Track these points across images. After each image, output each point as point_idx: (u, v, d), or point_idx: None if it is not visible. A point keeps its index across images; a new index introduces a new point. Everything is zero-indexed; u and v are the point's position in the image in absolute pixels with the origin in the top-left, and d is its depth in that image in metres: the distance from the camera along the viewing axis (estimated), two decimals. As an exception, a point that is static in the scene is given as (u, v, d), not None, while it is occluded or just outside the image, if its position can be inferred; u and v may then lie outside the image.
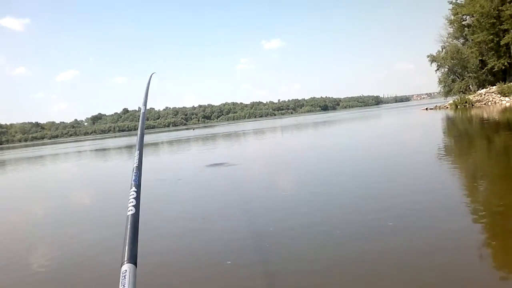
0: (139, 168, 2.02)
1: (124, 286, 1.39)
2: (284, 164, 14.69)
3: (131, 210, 1.72)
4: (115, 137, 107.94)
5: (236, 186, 10.83)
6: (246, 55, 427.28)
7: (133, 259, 1.52)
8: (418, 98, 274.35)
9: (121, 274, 1.45)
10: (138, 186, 1.88)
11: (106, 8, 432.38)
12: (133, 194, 1.81)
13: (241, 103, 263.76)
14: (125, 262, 1.51)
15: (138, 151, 2.15)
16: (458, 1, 53.46)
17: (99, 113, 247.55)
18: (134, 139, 61.14)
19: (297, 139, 30.05)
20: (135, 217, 1.70)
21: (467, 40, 55.08)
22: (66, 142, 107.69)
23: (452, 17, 55.35)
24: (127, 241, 1.59)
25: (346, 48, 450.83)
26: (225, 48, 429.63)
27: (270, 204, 8.01)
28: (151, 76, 3.42)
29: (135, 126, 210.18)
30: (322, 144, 21.96)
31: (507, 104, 40.30)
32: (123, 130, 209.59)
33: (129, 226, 1.65)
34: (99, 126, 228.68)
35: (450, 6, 54.54)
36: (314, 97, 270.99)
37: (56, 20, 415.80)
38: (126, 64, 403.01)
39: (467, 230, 5.23)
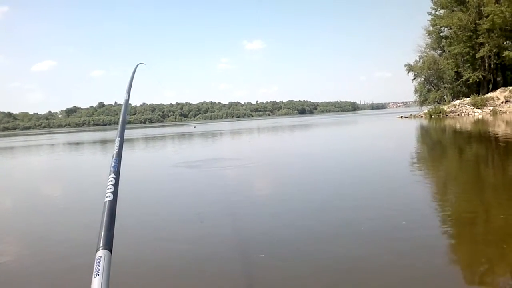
0: (119, 154, 2.01)
1: (98, 272, 1.36)
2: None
3: (109, 196, 1.70)
4: (89, 131, 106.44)
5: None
6: (228, 55, 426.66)
7: (108, 245, 1.51)
8: (394, 106, 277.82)
9: (96, 260, 1.43)
10: (117, 172, 1.87)
11: (88, 2, 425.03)
12: (111, 181, 1.79)
13: (219, 102, 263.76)
14: (101, 248, 1.48)
15: (119, 138, 2.14)
16: (437, 13, 54.37)
17: (74, 106, 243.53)
18: (108, 134, 61.04)
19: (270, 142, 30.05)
20: (113, 204, 1.68)
21: (444, 51, 56.07)
22: (39, 134, 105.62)
23: (431, 28, 56.33)
24: (103, 227, 1.57)
25: (325, 54, 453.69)
26: (207, 47, 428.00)
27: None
28: (137, 66, 3.36)
29: (110, 120, 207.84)
30: (297, 149, 21.98)
31: (480, 116, 41.11)
32: (98, 124, 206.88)
33: (106, 212, 1.63)
34: (74, 119, 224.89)
35: (430, 17, 55.51)
36: (292, 100, 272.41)
37: (36, 10, 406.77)
38: (105, 58, 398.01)
39: (435, 236, 5.23)
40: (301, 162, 14.73)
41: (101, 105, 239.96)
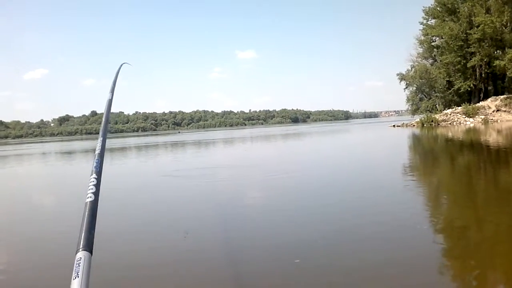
0: (101, 155, 1.97)
1: (78, 274, 1.34)
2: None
3: (90, 197, 1.68)
4: (82, 139, 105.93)
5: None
6: (220, 64, 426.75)
7: (89, 247, 1.48)
8: (387, 115, 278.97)
9: (76, 261, 1.40)
10: (98, 173, 1.83)
11: (80, 10, 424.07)
12: (93, 181, 1.76)
13: (212, 111, 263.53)
14: (81, 250, 1.46)
15: (102, 138, 2.11)
16: (428, 23, 54.86)
17: (67, 115, 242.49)
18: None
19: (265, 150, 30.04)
20: (94, 205, 1.65)
21: (435, 60, 56.47)
22: (31, 142, 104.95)
23: (422, 38, 56.74)
24: (84, 228, 1.54)
25: (318, 63, 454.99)
26: (200, 56, 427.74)
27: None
28: (121, 65, 3.30)
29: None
30: (294, 157, 21.99)
31: (471, 125, 41.43)
32: (90, 133, 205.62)
33: (87, 213, 1.61)
34: (66, 128, 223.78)
35: (421, 26, 55.98)
36: (285, 109, 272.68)
37: (28, 18, 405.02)
38: (98, 66, 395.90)
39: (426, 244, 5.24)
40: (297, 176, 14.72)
41: (94, 113, 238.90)
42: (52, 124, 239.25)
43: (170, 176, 14.86)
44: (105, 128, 2.24)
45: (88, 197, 1.68)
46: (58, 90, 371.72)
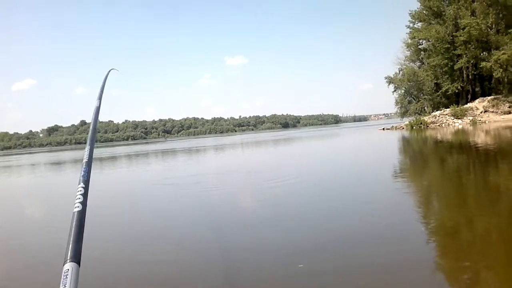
0: (88, 163, 1.94)
1: (65, 286, 1.32)
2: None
3: (78, 207, 1.65)
4: (71, 149, 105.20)
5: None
6: (210, 70, 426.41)
7: (76, 258, 1.46)
8: (376, 118, 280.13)
9: (63, 273, 1.38)
10: (86, 182, 1.80)
11: (68, 19, 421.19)
12: (80, 190, 1.73)
13: (202, 118, 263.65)
14: (68, 261, 1.44)
15: (89, 146, 2.07)
16: (415, 26, 55.27)
17: (56, 125, 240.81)
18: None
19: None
20: (81, 214, 1.63)
21: (423, 63, 56.85)
22: (19, 153, 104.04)
23: (409, 41, 57.14)
24: (71, 239, 1.52)
25: (307, 68, 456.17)
26: (189, 62, 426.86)
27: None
28: (109, 72, 3.27)
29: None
30: (286, 162, 22.00)
31: (460, 126, 41.75)
32: (80, 143, 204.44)
33: (74, 224, 1.58)
34: (55, 138, 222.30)
35: (408, 30, 56.40)
36: (275, 114, 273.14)
37: (15, 28, 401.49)
38: (87, 75, 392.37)
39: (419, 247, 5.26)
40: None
41: (83, 123, 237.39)
42: (41, 135, 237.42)
43: (161, 184, 14.80)
44: (93, 136, 2.21)
45: (75, 207, 1.65)
46: (46, 100, 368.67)
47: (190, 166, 23.43)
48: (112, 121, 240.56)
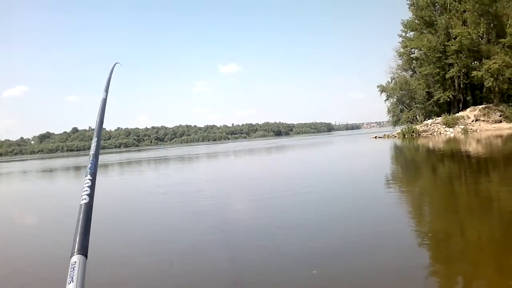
0: (95, 156, 1.97)
1: (72, 278, 1.32)
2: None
3: (85, 199, 1.66)
4: (63, 157, 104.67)
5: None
6: (203, 78, 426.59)
7: (83, 250, 1.47)
8: (368, 127, 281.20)
9: (70, 265, 1.39)
10: (93, 174, 1.82)
11: (59, 28, 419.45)
12: (87, 183, 1.75)
13: (195, 126, 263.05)
14: (75, 253, 1.44)
15: (96, 138, 2.11)
16: (407, 35, 55.70)
17: (47, 132, 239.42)
18: (83, 159, 60.24)
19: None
20: (88, 207, 1.64)
21: (415, 72, 57.22)
22: (10, 161, 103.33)
23: (402, 50, 57.50)
24: (79, 231, 1.52)
25: (300, 76, 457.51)
26: (182, 70, 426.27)
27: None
28: (114, 65, 3.29)
29: (84, 146, 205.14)
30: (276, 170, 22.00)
31: (451, 135, 41.99)
32: (72, 150, 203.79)
33: (81, 216, 1.59)
34: (47, 145, 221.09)
35: (400, 39, 56.81)
36: (268, 122, 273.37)
37: (8, 35, 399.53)
38: (79, 82, 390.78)
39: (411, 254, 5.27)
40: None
41: (75, 130, 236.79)
42: (32, 142, 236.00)
43: (154, 193, 14.74)
44: (100, 129, 2.25)
45: (82, 199, 1.66)
46: (38, 107, 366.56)
47: (172, 177, 23.38)
48: (105, 128, 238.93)
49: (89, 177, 1.78)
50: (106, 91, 2.69)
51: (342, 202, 9.83)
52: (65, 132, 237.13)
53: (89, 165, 1.88)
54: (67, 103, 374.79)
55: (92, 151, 1.99)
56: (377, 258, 5.30)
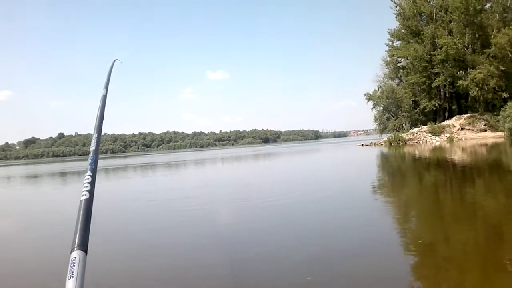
0: (96, 152, 1.97)
1: (72, 274, 1.33)
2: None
3: (85, 195, 1.67)
4: (48, 162, 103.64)
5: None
6: (191, 85, 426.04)
7: (83, 246, 1.47)
8: (355, 134, 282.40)
9: (70, 261, 1.40)
10: (93, 170, 1.83)
11: (49, 33, 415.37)
12: (88, 179, 1.75)
13: (182, 132, 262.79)
14: (75, 249, 1.45)
15: (96, 135, 2.13)
16: (394, 44, 56.26)
17: (33, 137, 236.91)
18: (68, 165, 59.79)
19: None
20: (89, 203, 1.65)
21: (401, 81, 57.80)
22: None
23: (388, 59, 58.11)
24: (79, 227, 1.53)
25: (288, 83, 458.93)
26: (169, 77, 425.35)
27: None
28: (114, 62, 3.32)
29: (70, 151, 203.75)
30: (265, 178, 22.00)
31: (437, 143, 42.40)
32: (57, 156, 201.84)
33: (81, 212, 1.59)
34: (32, 151, 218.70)
35: (387, 48, 57.38)
36: (255, 129, 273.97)
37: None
38: (66, 88, 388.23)
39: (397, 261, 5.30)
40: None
41: (61, 135, 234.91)
42: (17, 147, 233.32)
43: (140, 200, 14.65)
44: (100, 124, 2.25)
45: (82, 195, 1.66)
46: (24, 112, 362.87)
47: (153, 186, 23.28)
48: (91, 134, 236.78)
49: (89, 173, 1.79)
50: (106, 87, 2.70)
51: (329, 211, 9.85)
52: (50, 138, 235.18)
53: (89, 161, 1.88)
54: (53, 108, 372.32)
55: (92, 147, 2.01)
56: (368, 264, 5.32)
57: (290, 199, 11.94)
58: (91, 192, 1.69)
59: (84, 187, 1.70)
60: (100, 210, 12.10)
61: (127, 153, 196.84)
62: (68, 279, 1.31)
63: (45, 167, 60.51)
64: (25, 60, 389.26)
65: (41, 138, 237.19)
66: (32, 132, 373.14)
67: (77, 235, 1.50)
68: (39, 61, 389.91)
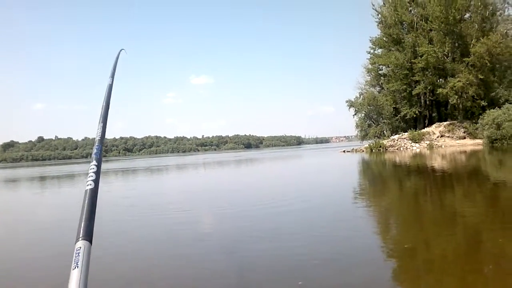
0: (101, 141, 1.98)
1: (77, 264, 1.34)
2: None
3: (90, 184, 1.67)
4: (27, 166, 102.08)
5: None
6: (174, 89, 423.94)
7: (88, 236, 1.49)
8: (337, 140, 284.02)
9: (75, 251, 1.41)
10: (98, 160, 1.83)
11: (30, 35, 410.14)
12: (93, 168, 1.76)
13: (164, 137, 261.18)
14: (80, 239, 1.46)
15: (102, 124, 2.10)
16: (375, 52, 56.87)
17: (12, 140, 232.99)
18: (48, 169, 58.94)
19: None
20: (94, 193, 1.65)
21: (382, 88, 58.40)
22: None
23: (370, 66, 58.76)
24: (84, 217, 1.54)
25: (271, 89, 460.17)
26: (152, 81, 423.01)
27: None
28: (120, 51, 3.26)
29: (50, 155, 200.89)
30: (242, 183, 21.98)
31: (417, 150, 42.90)
32: (36, 160, 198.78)
33: (86, 201, 1.60)
34: (10, 154, 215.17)
35: (369, 56, 58.00)
36: (238, 135, 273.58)
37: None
38: (47, 91, 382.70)
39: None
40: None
41: (41, 139, 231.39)
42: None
43: (120, 205, 14.53)
44: (106, 114, 2.23)
45: (88, 185, 1.67)
46: (2, 114, 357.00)
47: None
48: (71, 138, 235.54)
49: (94, 162, 1.79)
50: (112, 76, 2.70)
51: (313, 217, 9.90)
52: (30, 141, 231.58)
53: (94, 151, 1.89)
54: (33, 111, 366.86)
55: (97, 136, 2.01)
56: (347, 270, 5.36)
57: (277, 207, 11.97)
58: (96, 181, 1.70)
59: (89, 176, 1.71)
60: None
61: (108, 157, 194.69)
62: (73, 269, 1.32)
63: (24, 171, 59.64)
64: (6, 62, 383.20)
65: (20, 141, 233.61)
66: (10, 136, 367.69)
67: (82, 225, 1.51)
68: (18, 62, 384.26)
